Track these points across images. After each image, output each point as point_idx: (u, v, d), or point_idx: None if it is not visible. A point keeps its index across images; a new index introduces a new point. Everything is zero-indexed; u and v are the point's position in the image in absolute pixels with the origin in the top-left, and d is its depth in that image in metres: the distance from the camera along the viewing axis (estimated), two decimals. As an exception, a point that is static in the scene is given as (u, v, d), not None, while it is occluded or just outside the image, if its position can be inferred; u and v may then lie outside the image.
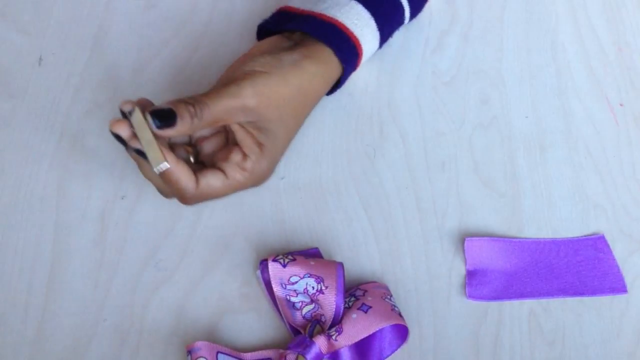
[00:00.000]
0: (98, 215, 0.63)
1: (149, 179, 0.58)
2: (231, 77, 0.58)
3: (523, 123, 0.69)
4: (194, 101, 0.55)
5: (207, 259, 0.61)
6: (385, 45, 0.72)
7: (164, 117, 0.54)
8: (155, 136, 0.54)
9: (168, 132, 0.54)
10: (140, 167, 0.57)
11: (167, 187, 0.57)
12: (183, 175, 0.55)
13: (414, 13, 0.70)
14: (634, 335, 0.59)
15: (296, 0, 0.66)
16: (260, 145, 0.57)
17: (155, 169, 0.54)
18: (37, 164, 0.65)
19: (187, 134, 0.57)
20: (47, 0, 0.73)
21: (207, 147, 0.60)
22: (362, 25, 0.64)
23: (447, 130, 0.68)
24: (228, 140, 0.60)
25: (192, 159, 0.59)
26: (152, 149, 0.54)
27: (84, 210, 0.63)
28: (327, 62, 0.62)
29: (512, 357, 0.58)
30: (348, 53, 0.63)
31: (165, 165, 0.54)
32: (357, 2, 0.64)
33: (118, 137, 0.55)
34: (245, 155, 0.57)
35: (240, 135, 0.58)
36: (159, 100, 0.68)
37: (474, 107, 0.70)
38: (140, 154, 0.54)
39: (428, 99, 0.70)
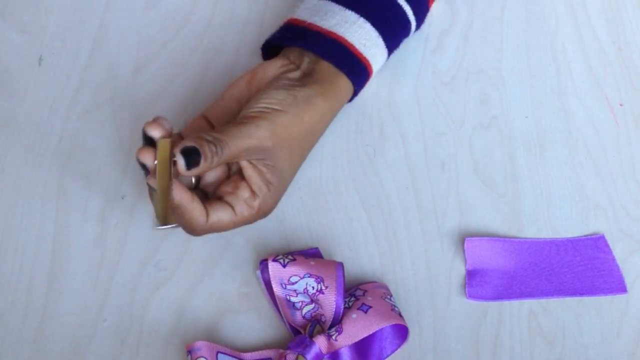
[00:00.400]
0: (98, 215, 0.63)
1: (154, 205, 0.56)
2: (245, 113, 0.57)
3: (523, 123, 0.69)
4: (216, 140, 0.54)
5: (207, 259, 0.61)
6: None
7: (190, 156, 0.53)
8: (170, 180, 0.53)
9: (192, 172, 0.53)
10: (149, 192, 0.56)
11: (181, 221, 0.56)
12: (196, 212, 0.54)
13: (419, 26, 0.70)
14: (634, 335, 0.59)
15: (302, 9, 0.65)
16: (268, 183, 0.57)
17: (154, 226, 0.53)
18: (37, 164, 0.65)
19: (210, 167, 0.55)
20: (47, 0, 0.73)
21: (210, 175, 0.59)
22: (370, 45, 0.63)
23: (447, 130, 0.68)
24: (229, 169, 0.60)
25: (193, 182, 0.59)
26: (163, 201, 0.52)
27: (84, 210, 0.63)
28: (337, 93, 0.62)
29: (512, 357, 0.58)
30: (360, 76, 0.63)
31: (164, 227, 0.52)
32: (365, 20, 0.63)
33: (143, 166, 0.54)
34: (253, 193, 0.57)
35: (248, 172, 0.57)
36: (160, 101, 0.68)
37: (474, 107, 0.70)
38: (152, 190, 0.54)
39: (428, 99, 0.70)
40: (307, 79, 0.61)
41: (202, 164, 0.53)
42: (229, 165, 0.59)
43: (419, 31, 0.72)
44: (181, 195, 0.53)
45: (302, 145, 0.59)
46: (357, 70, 0.63)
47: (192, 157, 0.52)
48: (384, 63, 0.67)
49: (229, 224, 0.57)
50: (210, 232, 0.57)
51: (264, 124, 0.56)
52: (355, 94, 0.64)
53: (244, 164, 0.57)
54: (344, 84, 0.62)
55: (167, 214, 0.52)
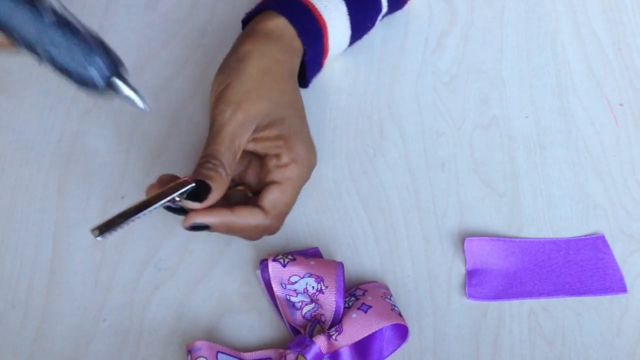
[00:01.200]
0: (98, 215, 0.63)
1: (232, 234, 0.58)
2: (211, 114, 0.57)
3: (523, 123, 0.69)
4: (207, 157, 0.54)
5: (207, 258, 0.61)
6: (385, 44, 0.72)
7: (199, 190, 0.53)
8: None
9: (210, 200, 0.53)
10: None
11: (247, 232, 0.56)
12: (247, 214, 0.55)
13: (393, 3, 0.69)
14: (634, 335, 0.59)
15: None
16: (280, 137, 0.57)
17: (95, 234, 0.52)
18: (37, 164, 0.65)
19: (226, 188, 0.55)
20: (47, 0, 0.73)
21: (251, 178, 0.60)
22: (331, 8, 0.63)
23: (447, 130, 0.68)
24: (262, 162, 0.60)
25: (250, 195, 0.59)
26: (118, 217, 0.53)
27: (84, 210, 0.63)
28: (269, 31, 0.61)
29: (512, 357, 0.58)
30: (300, 13, 0.62)
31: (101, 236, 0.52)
32: None
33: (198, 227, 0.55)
34: (277, 156, 0.57)
35: (259, 147, 0.57)
36: (160, 101, 0.68)
37: (474, 107, 0.70)
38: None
39: (428, 99, 0.70)
40: (240, 37, 0.61)
41: (215, 183, 0.53)
42: (259, 160, 0.59)
43: (418, 31, 0.72)
44: (222, 216, 0.54)
45: (273, 88, 0.58)
46: (296, 11, 0.61)
47: (201, 189, 0.53)
48: (348, 30, 0.65)
49: (284, 195, 0.56)
50: (281, 217, 0.57)
51: (224, 108, 0.56)
52: (307, 47, 0.62)
53: (250, 147, 0.57)
54: (273, 21, 0.61)
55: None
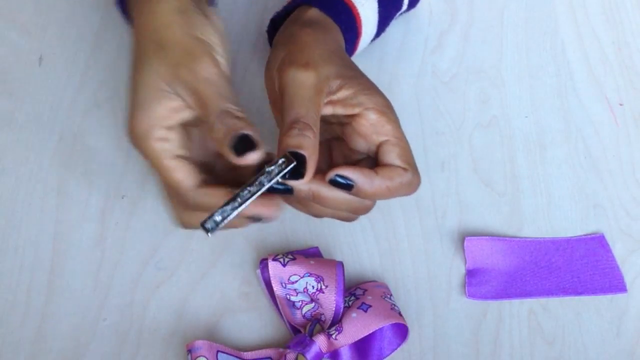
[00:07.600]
0: (98, 215, 0.63)
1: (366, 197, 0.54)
2: (279, 84, 0.54)
3: (523, 122, 0.69)
4: (294, 122, 0.50)
5: (207, 258, 0.61)
6: (385, 44, 0.72)
7: (298, 168, 0.50)
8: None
9: (310, 171, 0.50)
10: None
11: (389, 194, 0.52)
12: (390, 173, 0.52)
13: (411, 1, 0.69)
14: (634, 335, 0.59)
15: None
16: (358, 92, 0.53)
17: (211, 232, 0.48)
18: (37, 164, 0.65)
19: (318, 153, 0.51)
20: (47, 0, 0.73)
21: (339, 160, 0.57)
22: (367, 6, 0.63)
23: (446, 130, 0.68)
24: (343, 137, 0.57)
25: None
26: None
27: (84, 210, 0.63)
28: (299, 16, 0.60)
29: (512, 356, 0.58)
30: (348, 21, 0.61)
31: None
32: None
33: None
34: (363, 115, 0.53)
35: (339, 109, 0.54)
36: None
37: (473, 106, 0.70)
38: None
39: (428, 99, 0.70)
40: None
41: (307, 150, 0.49)
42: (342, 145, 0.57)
43: (418, 31, 0.72)
44: (368, 174, 0.51)
45: (326, 53, 0.55)
46: (338, 9, 0.61)
47: (300, 165, 0.50)
48: (374, 27, 0.65)
49: (404, 147, 0.54)
50: (417, 170, 0.54)
51: (290, 70, 0.53)
52: (345, 35, 0.61)
53: (329, 110, 0.54)
54: (305, 10, 0.60)
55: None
